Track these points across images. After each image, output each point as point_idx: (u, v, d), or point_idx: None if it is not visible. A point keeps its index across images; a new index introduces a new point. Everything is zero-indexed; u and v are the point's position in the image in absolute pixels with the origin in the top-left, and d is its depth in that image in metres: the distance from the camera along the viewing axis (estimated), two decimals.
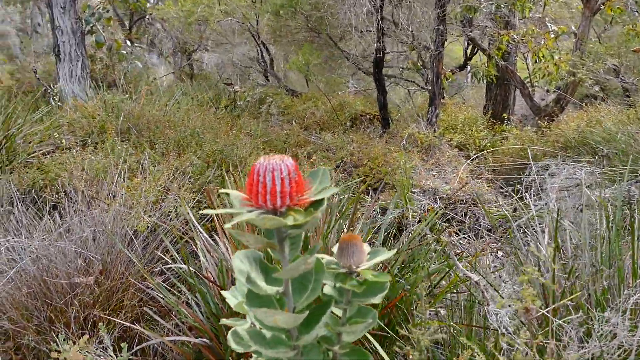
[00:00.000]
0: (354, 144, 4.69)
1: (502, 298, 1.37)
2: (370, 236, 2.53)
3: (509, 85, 7.29)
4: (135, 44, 10.54)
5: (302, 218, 0.71)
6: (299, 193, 0.75)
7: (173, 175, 2.88)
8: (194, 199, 2.72)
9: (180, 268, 2.17)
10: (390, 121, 6.08)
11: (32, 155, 3.45)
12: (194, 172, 2.98)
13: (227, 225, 0.71)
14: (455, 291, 1.96)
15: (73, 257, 2.31)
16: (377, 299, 0.86)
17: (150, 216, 2.43)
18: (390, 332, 1.83)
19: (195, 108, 4.68)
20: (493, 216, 3.34)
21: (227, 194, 0.79)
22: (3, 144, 3.49)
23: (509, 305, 1.06)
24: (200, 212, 0.75)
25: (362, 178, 4.10)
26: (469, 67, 8.48)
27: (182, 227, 2.52)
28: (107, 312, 2.21)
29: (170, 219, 2.50)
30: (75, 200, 2.72)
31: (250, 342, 0.82)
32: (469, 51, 7.56)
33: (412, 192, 3.69)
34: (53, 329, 2.18)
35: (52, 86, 5.46)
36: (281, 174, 0.72)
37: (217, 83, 7.47)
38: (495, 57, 5.21)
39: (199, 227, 2.22)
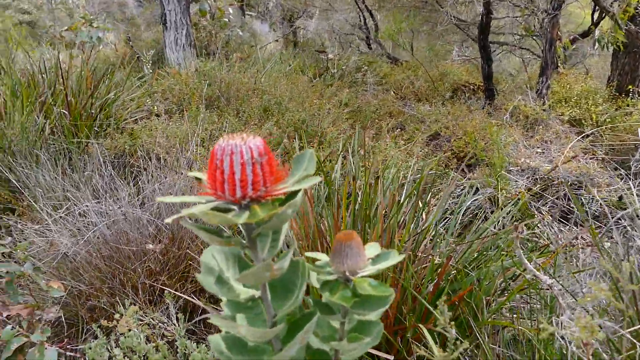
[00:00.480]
0: (450, 116, 4.39)
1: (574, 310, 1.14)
2: (446, 219, 2.32)
3: (639, 53, 6.46)
4: (247, 12, 10.72)
5: (262, 214, 0.56)
6: (269, 182, 0.60)
7: None
8: None
9: None
10: (495, 93, 5.62)
11: (125, 121, 3.57)
12: (270, 142, 2.91)
13: (174, 217, 0.58)
14: (528, 292, 1.71)
15: (146, 223, 2.34)
16: (372, 316, 0.70)
17: None
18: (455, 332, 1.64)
19: (286, 76, 4.61)
20: (601, 202, 2.95)
21: (198, 178, 0.66)
22: (101, 109, 3.64)
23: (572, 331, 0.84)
24: (158, 199, 0.63)
25: (454, 153, 3.82)
26: (596, 33, 7.63)
27: None
28: (173, 281, 2.22)
29: None
30: (157, 167, 2.76)
31: (226, 352, 0.70)
32: (596, 15, 6.77)
33: (508, 170, 3.37)
34: (125, 293, 2.23)
35: (145, 54, 5.64)
36: (241, 158, 0.58)
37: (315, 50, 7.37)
38: (620, 20, 4.58)
39: None
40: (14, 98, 3.57)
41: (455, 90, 5.74)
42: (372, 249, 0.74)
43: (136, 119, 3.61)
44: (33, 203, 2.67)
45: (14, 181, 2.99)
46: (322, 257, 0.73)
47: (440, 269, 1.75)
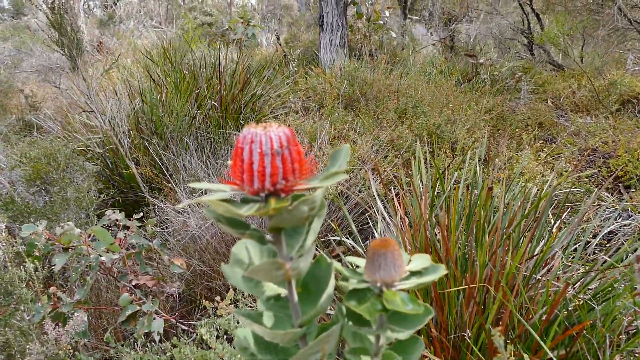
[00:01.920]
0: (612, 130, 3.93)
1: None
2: (574, 245, 2.07)
3: None
4: (409, 16, 10.68)
5: (269, 208, 0.53)
6: (291, 176, 0.57)
7: (379, 145, 2.79)
8: (391, 173, 2.59)
9: (353, 246, 2.10)
10: None
11: (266, 116, 3.75)
12: (401, 146, 2.84)
13: (186, 202, 0.57)
14: None
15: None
16: (403, 334, 0.63)
17: (340, 185, 2.40)
18: None
19: (431, 80, 4.49)
20: None
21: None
22: (247, 104, 3.86)
23: None
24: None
25: (611, 171, 3.42)
26: None
27: (370, 201, 2.43)
28: None
29: (359, 190, 2.43)
30: None
31: (253, 349, 0.69)
32: None
33: None
34: None
35: (292, 53, 5.85)
36: (260, 148, 0.55)
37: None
38: None
39: (380, 203, 2.10)
40: (175, 90, 3.94)
41: (623, 103, 5.12)
42: (420, 260, 0.67)
43: (277, 115, 3.77)
44: (175, 186, 2.91)
45: (165, 164, 3.29)
46: (363, 264, 0.68)
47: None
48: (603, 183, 3.41)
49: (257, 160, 0.56)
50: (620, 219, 2.46)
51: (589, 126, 4.12)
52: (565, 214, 2.31)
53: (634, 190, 3.06)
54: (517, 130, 3.53)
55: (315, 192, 0.56)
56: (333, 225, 2.03)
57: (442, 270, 0.64)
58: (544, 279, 1.65)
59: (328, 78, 4.23)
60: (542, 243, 1.83)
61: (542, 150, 3.11)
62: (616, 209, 2.86)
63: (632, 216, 2.70)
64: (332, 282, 0.64)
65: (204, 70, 4.22)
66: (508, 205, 1.89)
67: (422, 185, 2.10)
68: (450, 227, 1.79)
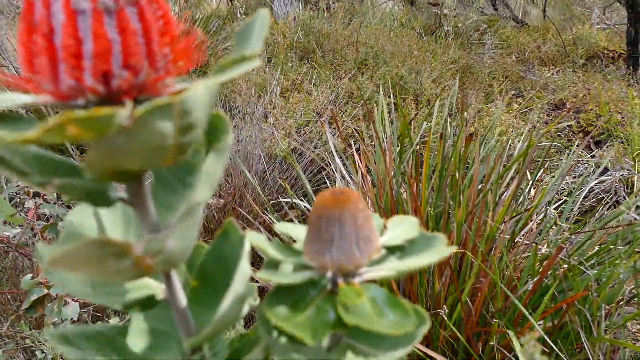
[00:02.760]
0: (581, 84, 3.75)
1: None
2: (562, 202, 1.86)
3: None
4: None
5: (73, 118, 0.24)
6: (153, 62, 0.28)
7: (336, 97, 2.50)
8: (350, 126, 2.31)
9: (308, 209, 1.82)
10: None
11: (211, 70, 3.40)
12: (361, 97, 2.56)
13: None
14: None
15: None
16: (386, 357, 0.36)
17: (293, 140, 2.11)
18: (554, 347, 1.23)
19: (392, 31, 4.19)
20: None
21: None
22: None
23: None
24: None
25: (581, 126, 3.24)
26: None
27: (327, 157, 2.15)
28: None
29: (315, 146, 2.15)
30: (232, 117, 2.54)
31: None
32: None
33: None
34: None
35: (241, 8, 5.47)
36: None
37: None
38: None
39: (338, 159, 1.82)
40: None
41: (590, 58, 4.95)
42: (400, 227, 0.39)
43: None
44: None
45: None
46: (302, 235, 0.39)
47: (546, 262, 1.34)
48: (573, 138, 3.23)
49: (62, 25, 0.26)
50: (595, 175, 2.26)
51: (557, 80, 3.93)
52: (541, 172, 2.10)
53: (609, 145, 2.88)
54: (485, 81, 3.29)
55: (194, 91, 0.26)
56: (284, 185, 1.74)
57: (442, 244, 0.36)
58: (529, 242, 1.41)
59: (281, 28, 3.88)
60: (520, 202, 1.59)
61: (513, 102, 2.89)
62: (590, 165, 2.68)
63: (608, 171, 2.52)
64: (244, 271, 0.36)
65: None
66: (483, 159, 1.65)
67: (387, 138, 1.83)
68: (419, 184, 1.54)
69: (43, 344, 1.67)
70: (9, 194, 1.79)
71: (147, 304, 0.37)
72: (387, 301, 0.32)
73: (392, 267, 0.35)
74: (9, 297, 1.91)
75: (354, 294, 0.32)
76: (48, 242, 1.78)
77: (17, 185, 1.79)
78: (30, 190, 1.77)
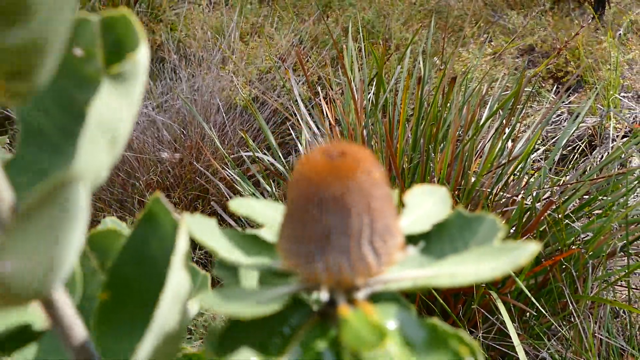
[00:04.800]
0: (550, 28, 3.64)
1: None
2: (538, 151, 1.77)
3: None
4: None
5: None
6: None
7: (299, 42, 2.32)
8: (315, 72, 2.14)
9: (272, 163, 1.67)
10: (607, 5, 4.69)
11: (164, 12, 3.13)
12: (326, 42, 2.38)
13: None
14: None
15: (161, 127, 1.94)
16: None
17: (254, 88, 1.94)
18: (535, 303, 1.15)
19: None
20: None
21: None
22: None
23: None
24: None
25: (551, 72, 3.15)
26: None
27: (292, 107, 1.99)
28: (188, 199, 1.84)
29: (278, 95, 1.98)
30: (188, 64, 2.34)
31: None
32: None
33: (622, 96, 2.69)
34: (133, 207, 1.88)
35: None
36: None
37: None
38: None
39: (304, 108, 1.67)
40: None
41: (557, 1, 4.85)
42: (427, 202, 0.26)
43: (177, 11, 3.15)
44: None
45: None
46: (272, 219, 0.25)
47: (533, 216, 1.25)
48: (543, 85, 3.15)
49: None
50: (574, 123, 2.18)
51: (527, 25, 3.82)
52: (517, 117, 2.00)
53: (581, 91, 2.80)
54: (456, 25, 3.14)
55: None
56: (245, 137, 1.59)
57: (496, 229, 0.23)
58: (512, 196, 1.31)
59: None
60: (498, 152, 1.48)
61: (487, 46, 2.76)
62: (563, 112, 2.60)
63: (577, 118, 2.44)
64: (179, 285, 0.22)
65: None
66: (462, 107, 1.52)
67: (356, 85, 1.68)
68: (394, 132, 1.41)
69: None
70: None
71: (22, 338, 0.22)
72: (424, 336, 0.19)
73: (417, 276, 0.22)
74: None
75: (369, 331, 0.18)
76: None
77: None
78: None
